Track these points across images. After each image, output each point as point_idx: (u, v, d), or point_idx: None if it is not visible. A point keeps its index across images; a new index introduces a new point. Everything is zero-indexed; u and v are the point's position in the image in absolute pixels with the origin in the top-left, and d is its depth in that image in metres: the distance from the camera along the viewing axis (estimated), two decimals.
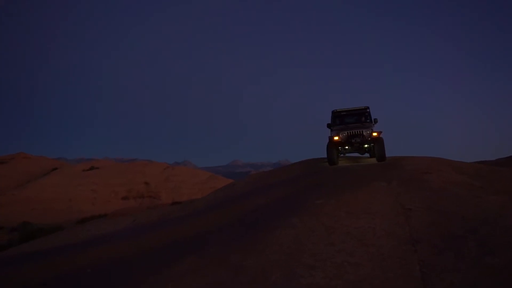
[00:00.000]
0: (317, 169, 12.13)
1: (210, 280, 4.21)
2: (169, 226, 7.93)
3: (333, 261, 4.41)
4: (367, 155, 14.74)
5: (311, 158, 15.99)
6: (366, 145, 13.01)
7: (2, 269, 6.17)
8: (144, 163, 59.85)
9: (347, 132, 12.94)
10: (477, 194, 6.65)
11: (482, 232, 4.78)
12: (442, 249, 4.47)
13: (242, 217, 6.94)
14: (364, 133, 12.78)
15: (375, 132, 12.74)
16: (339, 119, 14.25)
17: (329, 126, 14.13)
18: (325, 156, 13.04)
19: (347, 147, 13.14)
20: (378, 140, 12.42)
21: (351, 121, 14.11)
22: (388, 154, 12.57)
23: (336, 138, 12.93)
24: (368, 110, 14.13)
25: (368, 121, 13.87)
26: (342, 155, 14.15)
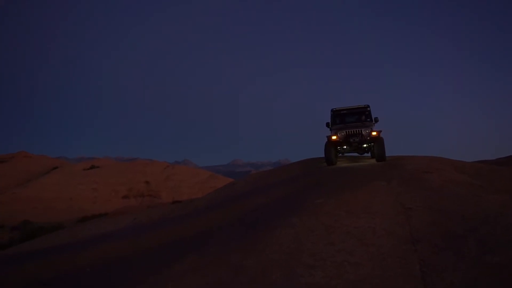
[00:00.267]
0: (317, 169, 12.12)
1: (210, 279, 4.21)
2: (169, 225, 7.94)
3: (333, 260, 4.41)
4: (368, 154, 14.37)
5: (311, 157, 15.93)
6: (365, 145, 12.67)
7: (2, 268, 6.18)
8: (144, 162, 59.87)
9: (346, 131, 12.60)
10: (477, 193, 6.64)
11: (483, 231, 4.78)
12: (442, 249, 4.47)
13: (242, 216, 6.94)
14: (363, 132, 12.44)
15: (374, 131, 12.39)
16: (338, 118, 13.88)
17: (328, 125, 13.76)
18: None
19: (345, 147, 12.83)
20: (378, 140, 12.12)
21: (351, 120, 13.74)
22: (388, 153, 12.40)
23: (334, 137, 12.60)
24: (368, 108, 13.73)
25: (368, 120, 13.45)
26: (340, 154, 13.85)
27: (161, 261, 4.97)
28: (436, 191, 6.84)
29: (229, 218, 7.10)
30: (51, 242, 10.72)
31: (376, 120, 13.33)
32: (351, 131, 12.52)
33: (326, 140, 12.77)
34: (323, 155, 12.92)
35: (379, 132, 12.40)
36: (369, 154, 14.26)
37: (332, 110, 13.99)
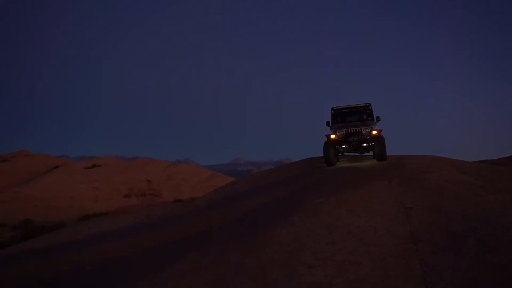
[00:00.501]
0: (317, 168, 12.11)
1: (211, 278, 4.22)
2: (170, 224, 7.95)
3: (333, 260, 4.42)
4: (370, 154, 13.77)
5: (312, 157, 15.87)
6: (364, 144, 12.27)
7: (3, 267, 6.20)
8: (146, 161, 59.94)
9: (345, 130, 12.25)
10: (478, 193, 6.64)
11: (483, 231, 4.78)
12: (442, 248, 4.47)
13: (243, 216, 6.95)
14: (362, 131, 12.09)
15: (374, 130, 12.03)
16: (338, 117, 13.49)
17: (328, 124, 13.35)
18: None
19: (344, 146, 12.46)
20: (378, 139, 11.79)
21: (352, 119, 13.38)
22: (389, 153, 12.27)
23: (333, 136, 12.26)
24: (369, 107, 13.32)
25: (369, 119, 13.04)
26: (340, 154, 13.47)
27: (162, 260, 4.99)
28: (437, 191, 6.83)
29: (229, 217, 7.11)
30: (52, 241, 10.74)
31: (378, 119, 12.95)
32: (350, 130, 12.19)
33: (326, 140, 12.47)
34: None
35: (379, 131, 12.08)
36: (371, 154, 13.70)
37: (332, 109, 13.63)
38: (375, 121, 12.92)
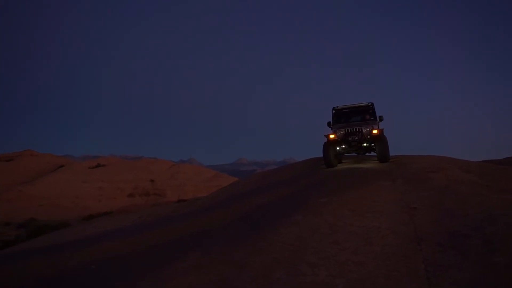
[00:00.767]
0: (321, 168, 12.06)
1: (213, 277, 4.22)
2: (174, 223, 7.97)
3: (336, 259, 4.40)
4: (373, 154, 13.07)
5: (316, 157, 15.81)
6: (365, 144, 11.71)
7: (7, 266, 6.23)
8: (149, 161, 60.20)
9: (344, 130, 11.73)
10: (482, 193, 6.60)
11: (487, 231, 4.75)
12: (447, 247, 4.45)
13: (246, 215, 6.95)
14: (363, 131, 11.54)
15: (375, 129, 11.47)
16: (340, 117, 12.98)
17: (330, 124, 12.84)
18: None
19: (344, 146, 11.90)
20: (381, 139, 11.24)
21: (353, 118, 12.87)
22: (393, 153, 12.02)
23: (332, 136, 11.74)
24: (372, 106, 12.79)
25: (372, 118, 12.49)
26: (340, 155, 12.83)
27: (165, 259, 4.99)
28: (441, 191, 6.80)
29: (232, 216, 7.11)
30: (56, 240, 10.81)
31: (381, 118, 12.50)
32: (350, 130, 11.70)
33: (326, 140, 11.98)
34: None
35: (380, 130, 11.58)
36: (374, 154, 13.00)
37: (333, 108, 13.19)
38: (377, 120, 12.50)
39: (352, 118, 12.93)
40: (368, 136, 11.46)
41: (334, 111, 13.13)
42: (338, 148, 11.91)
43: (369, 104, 12.82)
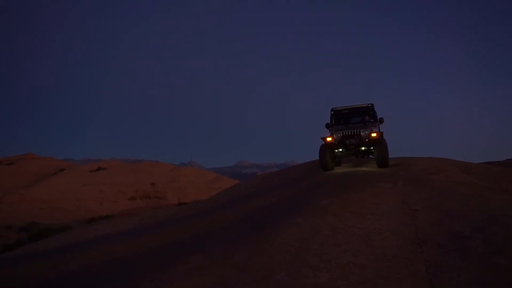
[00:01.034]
0: (321, 171, 11.99)
1: (215, 279, 4.22)
2: (175, 226, 7.97)
3: (338, 261, 4.40)
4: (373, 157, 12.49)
5: (317, 159, 15.66)
6: (363, 148, 11.21)
7: (8, 268, 6.24)
8: (150, 164, 60.22)
9: (342, 133, 11.20)
10: (483, 194, 6.60)
11: (489, 232, 4.74)
12: (448, 249, 4.44)
13: (247, 217, 6.95)
14: (361, 134, 11.01)
15: (374, 132, 10.94)
16: (338, 118, 12.40)
17: (328, 126, 12.28)
18: None
19: (341, 150, 11.37)
20: (379, 143, 10.71)
21: (352, 120, 12.34)
22: (394, 155, 11.80)
23: (329, 139, 11.21)
24: (372, 108, 12.22)
25: (372, 120, 11.98)
26: (339, 158, 12.37)
27: (166, 261, 4.99)
28: (442, 192, 6.80)
29: (233, 219, 7.11)
30: (57, 243, 10.80)
31: (381, 120, 12.09)
32: (347, 132, 11.17)
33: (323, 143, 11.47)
34: None
35: (379, 133, 11.08)
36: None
37: (332, 110, 12.58)
38: (377, 123, 12.02)
39: (351, 119, 12.40)
40: (367, 140, 10.99)
41: (332, 112, 12.56)
42: (336, 151, 11.47)
43: (369, 105, 12.28)
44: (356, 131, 11.09)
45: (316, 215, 6.03)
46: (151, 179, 52.48)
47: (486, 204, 5.93)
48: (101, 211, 38.96)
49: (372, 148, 11.16)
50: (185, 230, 7.07)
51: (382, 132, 11.35)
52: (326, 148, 11.23)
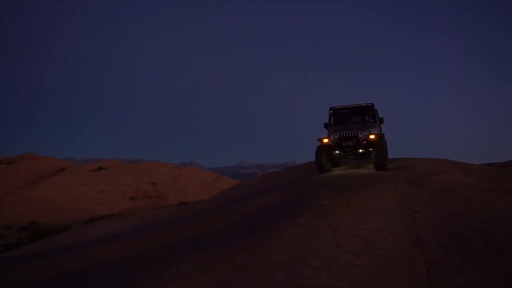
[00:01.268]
0: (318, 172, 11.94)
1: (215, 279, 4.22)
2: (175, 226, 7.96)
3: (338, 262, 4.40)
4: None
5: None
6: (360, 150, 10.71)
7: (9, 268, 6.24)
8: (151, 164, 60.29)
9: (339, 134, 10.74)
10: (485, 195, 6.59)
11: (490, 233, 4.74)
12: (449, 250, 4.44)
13: (247, 218, 6.94)
14: (359, 135, 10.53)
15: (372, 134, 10.46)
16: (337, 118, 11.87)
17: (326, 125, 11.72)
18: None
19: (338, 152, 10.92)
20: (378, 145, 10.25)
21: (352, 120, 11.83)
22: (394, 155, 11.66)
23: (325, 140, 10.80)
24: (372, 107, 11.69)
25: (371, 120, 11.43)
26: (337, 160, 11.78)
27: (167, 261, 4.99)
28: (443, 193, 6.79)
29: (234, 219, 7.10)
30: (58, 243, 10.82)
31: (382, 121, 11.78)
32: (344, 134, 10.70)
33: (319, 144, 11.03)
34: None
35: (378, 135, 10.65)
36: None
37: (330, 109, 12.02)
38: (377, 123, 11.58)
39: (350, 119, 11.92)
40: (364, 142, 10.51)
41: (331, 112, 12.00)
42: (333, 153, 11.05)
43: (369, 104, 11.78)
44: (354, 133, 10.65)
45: (317, 216, 6.02)
46: (151, 179, 52.53)
47: (486, 205, 5.93)
48: (102, 211, 38.98)
49: (370, 150, 10.67)
50: (185, 230, 7.07)
51: (383, 134, 11.06)
52: (322, 149, 10.85)
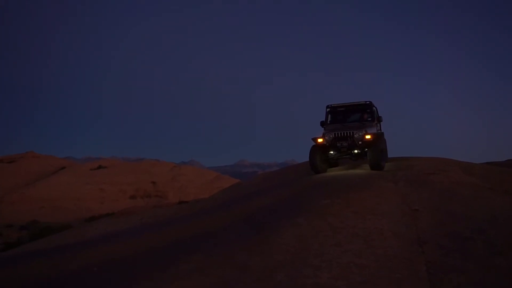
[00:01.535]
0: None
1: (215, 279, 4.21)
2: (175, 225, 7.96)
3: (339, 261, 4.39)
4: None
5: None
6: (356, 150, 10.38)
7: (9, 267, 6.24)
8: (151, 163, 60.25)
9: (334, 134, 10.40)
10: (485, 195, 6.58)
11: (491, 233, 4.73)
12: (449, 250, 4.44)
13: (248, 217, 6.94)
14: (354, 135, 10.17)
15: (368, 134, 10.09)
16: (334, 116, 11.46)
17: (322, 124, 11.31)
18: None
19: (332, 152, 10.61)
20: (374, 145, 9.93)
21: (349, 119, 11.39)
22: (395, 154, 11.71)
23: (320, 140, 10.47)
24: (370, 105, 11.27)
25: (369, 119, 11.02)
26: (334, 160, 11.30)
27: (167, 261, 4.99)
28: (444, 193, 6.79)
29: (234, 218, 7.10)
30: (58, 242, 10.82)
31: (380, 119, 11.52)
32: (339, 134, 10.36)
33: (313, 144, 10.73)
34: None
35: (375, 135, 10.32)
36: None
37: (327, 107, 11.62)
38: (376, 122, 11.24)
39: (348, 118, 11.49)
40: (360, 142, 10.16)
41: (328, 109, 11.59)
42: (327, 153, 10.74)
43: (367, 102, 11.37)
44: (349, 133, 10.30)
45: (317, 215, 6.02)
46: (151, 178, 52.52)
47: (487, 205, 5.92)
48: (102, 210, 38.97)
49: (366, 150, 10.31)
50: (185, 230, 7.06)
51: (383, 132, 10.86)
52: (316, 149, 10.55)
